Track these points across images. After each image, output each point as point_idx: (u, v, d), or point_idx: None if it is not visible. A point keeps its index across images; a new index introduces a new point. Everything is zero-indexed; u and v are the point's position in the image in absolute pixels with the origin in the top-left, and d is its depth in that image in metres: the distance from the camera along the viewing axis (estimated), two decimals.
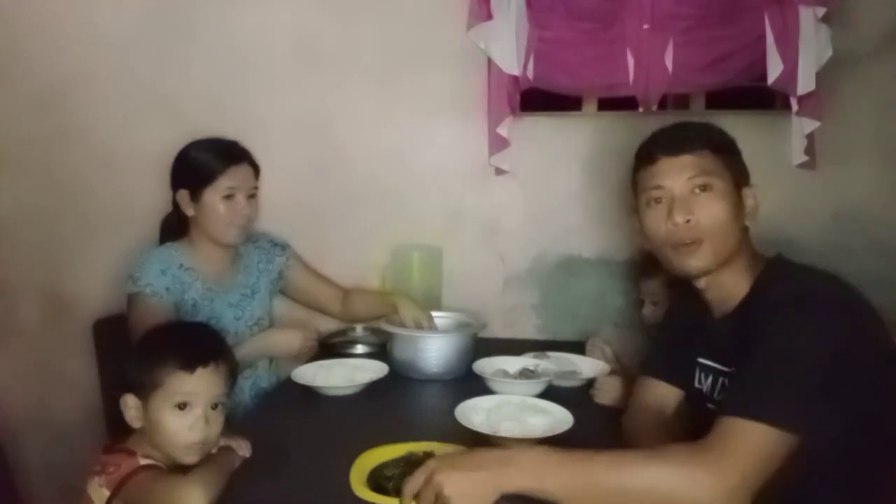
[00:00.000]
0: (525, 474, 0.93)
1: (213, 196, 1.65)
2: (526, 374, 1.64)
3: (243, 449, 1.20)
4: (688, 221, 1.13)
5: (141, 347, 1.23)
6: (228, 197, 1.66)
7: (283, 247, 1.94)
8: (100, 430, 1.75)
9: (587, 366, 1.74)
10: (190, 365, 1.12)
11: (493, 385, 1.58)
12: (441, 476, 0.94)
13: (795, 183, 1.94)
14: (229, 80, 2.16)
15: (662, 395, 1.31)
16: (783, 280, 1.10)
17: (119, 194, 2.21)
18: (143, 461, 1.09)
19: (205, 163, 1.67)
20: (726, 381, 1.18)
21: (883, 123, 1.92)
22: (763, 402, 0.94)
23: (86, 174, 2.25)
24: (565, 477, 0.92)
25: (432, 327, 1.81)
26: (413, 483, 0.96)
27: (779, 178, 1.95)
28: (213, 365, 1.15)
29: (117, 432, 1.17)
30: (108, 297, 2.06)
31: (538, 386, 1.56)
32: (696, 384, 1.26)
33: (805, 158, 1.88)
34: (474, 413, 1.37)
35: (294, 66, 2.14)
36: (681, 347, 1.29)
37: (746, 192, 1.18)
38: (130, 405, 1.14)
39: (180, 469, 1.11)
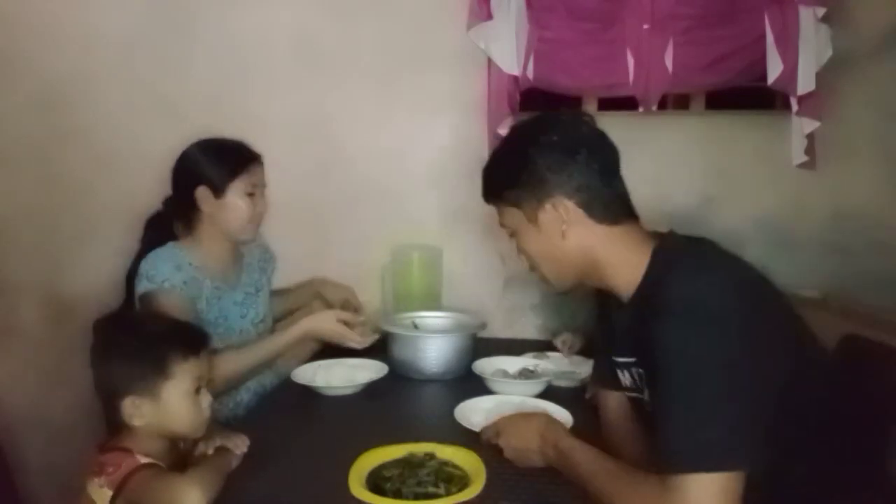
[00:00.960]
0: (550, 456, 1.14)
1: (237, 192, 1.65)
2: (526, 374, 1.65)
3: (240, 446, 1.20)
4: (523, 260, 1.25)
5: (134, 350, 1.16)
6: (250, 194, 1.67)
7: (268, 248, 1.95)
8: (100, 430, 1.74)
9: (586, 366, 1.74)
10: (195, 349, 1.18)
11: (492, 385, 1.58)
12: (504, 440, 1.19)
13: (795, 183, 1.94)
14: (229, 80, 2.16)
15: (620, 402, 1.26)
16: (669, 275, 1.02)
17: (119, 194, 2.21)
18: (143, 460, 1.09)
19: (230, 159, 1.66)
20: (637, 371, 1.14)
21: (883, 123, 1.92)
22: (709, 451, 0.90)
23: (86, 174, 2.25)
24: (567, 467, 1.11)
25: (361, 304, 1.88)
26: (488, 432, 1.23)
27: (779, 178, 1.96)
28: (209, 341, 1.23)
29: (117, 432, 1.16)
30: (108, 297, 2.05)
31: (538, 386, 1.57)
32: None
33: (805, 158, 1.88)
34: (474, 413, 1.38)
35: (294, 66, 2.14)
36: (606, 350, 1.25)
37: (545, 210, 1.12)
38: (134, 405, 1.12)
39: (178, 468, 1.11)
